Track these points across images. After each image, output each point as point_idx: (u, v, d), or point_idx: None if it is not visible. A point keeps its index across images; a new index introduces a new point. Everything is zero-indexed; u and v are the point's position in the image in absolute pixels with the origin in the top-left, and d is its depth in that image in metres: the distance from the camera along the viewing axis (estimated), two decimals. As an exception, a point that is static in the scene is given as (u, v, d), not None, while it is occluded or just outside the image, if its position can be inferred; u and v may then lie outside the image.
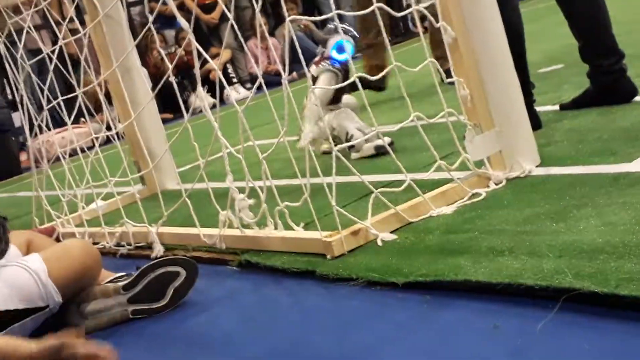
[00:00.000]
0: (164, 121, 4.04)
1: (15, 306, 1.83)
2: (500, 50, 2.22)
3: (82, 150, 2.99)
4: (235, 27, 2.19)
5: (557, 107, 2.92)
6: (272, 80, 5.95)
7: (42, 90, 3.07)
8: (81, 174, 2.96)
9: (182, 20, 2.32)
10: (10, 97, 7.70)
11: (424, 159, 2.59)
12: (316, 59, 3.18)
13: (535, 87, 2.78)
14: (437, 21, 2.18)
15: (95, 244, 2.73)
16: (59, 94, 3.02)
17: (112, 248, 2.74)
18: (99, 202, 3.06)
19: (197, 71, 2.34)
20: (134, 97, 3.18)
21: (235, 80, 8.57)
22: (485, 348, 1.33)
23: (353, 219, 2.02)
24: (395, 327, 1.52)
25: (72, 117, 2.97)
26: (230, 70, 8.59)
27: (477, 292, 1.53)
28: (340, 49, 3.10)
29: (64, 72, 2.99)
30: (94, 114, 3.02)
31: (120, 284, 2.01)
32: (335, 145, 2.10)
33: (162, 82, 2.56)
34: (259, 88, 2.13)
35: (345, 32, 3.12)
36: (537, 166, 2.24)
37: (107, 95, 3.04)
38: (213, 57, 7.46)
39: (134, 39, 3.12)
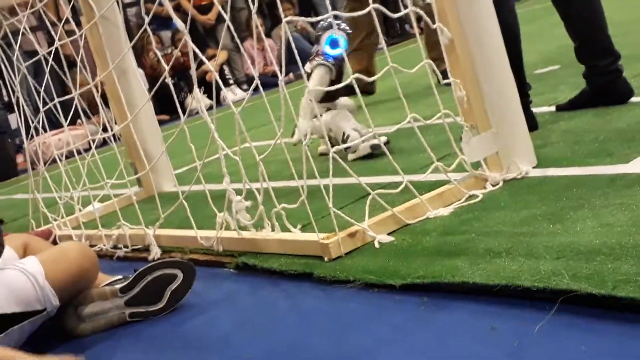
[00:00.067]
0: (161, 123, 4.04)
1: (13, 310, 1.83)
2: (497, 52, 2.22)
3: (79, 152, 2.99)
4: (232, 28, 2.19)
5: (553, 108, 2.92)
6: (269, 82, 5.95)
7: (38, 92, 3.06)
8: (78, 176, 2.96)
9: (178, 22, 2.32)
10: (6, 98, 7.69)
11: (420, 160, 2.60)
12: (311, 57, 3.19)
13: (532, 88, 2.79)
14: (434, 22, 2.18)
15: (92, 246, 2.73)
16: (55, 95, 3.01)
17: (109, 250, 2.74)
18: (96, 204, 3.06)
19: (193, 72, 2.34)
20: (130, 98, 3.18)
21: (231, 81, 8.57)
22: (483, 350, 1.33)
23: (350, 220, 2.02)
24: (392, 329, 1.52)
25: (69, 119, 2.97)
26: (226, 71, 8.60)
27: (475, 294, 1.53)
28: (333, 43, 3.10)
29: (60, 73, 2.98)
30: (90, 115, 3.01)
31: (118, 286, 2.00)
32: (332, 146, 2.10)
33: (158, 83, 2.55)
34: (256, 89, 2.13)
35: (339, 27, 3.13)
36: (533, 167, 2.24)
37: (104, 97, 3.04)
38: (209, 58, 7.47)
39: (130, 41, 3.12)
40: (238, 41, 2.55)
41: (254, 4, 2.06)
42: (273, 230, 2.17)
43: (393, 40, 9.43)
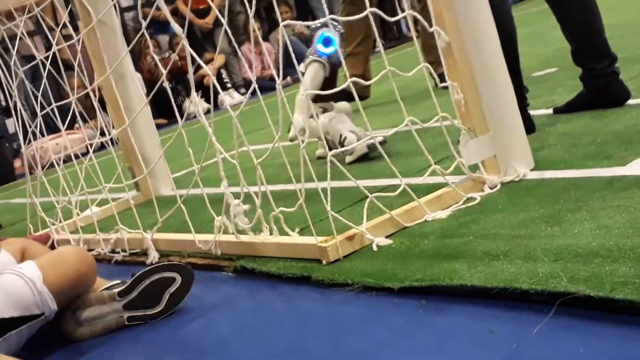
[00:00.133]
0: (158, 127, 4.04)
1: (11, 314, 1.83)
2: (494, 55, 2.23)
3: (76, 157, 2.99)
4: (229, 32, 2.19)
5: (550, 111, 2.93)
6: (266, 85, 5.95)
7: (35, 97, 3.06)
8: (75, 180, 2.96)
9: (175, 26, 2.32)
10: (3, 103, 7.69)
11: (418, 163, 2.60)
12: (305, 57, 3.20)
13: (529, 90, 2.79)
14: (431, 26, 2.18)
15: (90, 250, 2.72)
16: (52, 100, 3.01)
17: (106, 255, 2.74)
18: (94, 208, 3.06)
19: (191, 76, 2.34)
20: (127, 102, 3.18)
21: (229, 85, 8.57)
22: (481, 352, 1.33)
23: (348, 224, 2.02)
24: (391, 332, 1.52)
25: (66, 123, 2.97)
26: (224, 75, 8.60)
27: (473, 297, 1.53)
28: (326, 42, 3.12)
29: (58, 78, 2.98)
30: (87, 119, 3.01)
31: (116, 290, 2.00)
32: (330, 149, 2.10)
33: (156, 87, 2.55)
34: (253, 93, 2.13)
35: (332, 25, 3.15)
36: (531, 170, 2.24)
37: (101, 101, 3.04)
38: (207, 62, 7.47)
39: (128, 45, 3.12)
40: (235, 45, 2.55)
41: (251, 8, 2.06)
42: (271, 233, 2.17)
43: (390, 44, 9.43)
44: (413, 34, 2.34)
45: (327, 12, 2.13)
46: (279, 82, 2.09)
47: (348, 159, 3.07)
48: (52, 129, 4.25)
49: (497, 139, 2.20)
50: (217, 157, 2.25)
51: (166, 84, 2.42)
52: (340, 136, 3.09)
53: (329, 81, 3.17)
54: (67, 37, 2.96)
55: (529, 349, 1.29)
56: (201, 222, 2.49)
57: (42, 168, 3.17)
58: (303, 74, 3.10)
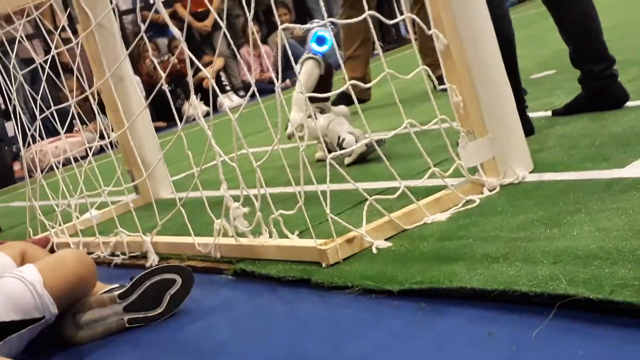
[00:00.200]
0: (157, 130, 4.04)
1: (12, 318, 1.83)
2: (493, 57, 2.23)
3: (76, 160, 2.99)
4: (228, 35, 2.19)
5: (549, 113, 2.93)
6: (265, 88, 5.95)
7: (34, 100, 3.07)
8: (75, 183, 2.96)
9: (174, 29, 2.32)
10: (3, 106, 7.69)
11: (417, 165, 2.60)
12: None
13: (528, 93, 2.79)
14: (429, 29, 2.19)
15: (89, 253, 2.72)
16: (51, 103, 3.02)
17: (106, 258, 2.74)
18: (93, 211, 3.06)
19: (190, 79, 2.34)
20: (127, 106, 3.18)
21: (228, 88, 8.57)
22: (481, 355, 1.33)
23: (348, 226, 2.02)
24: (390, 335, 1.52)
25: (65, 126, 2.97)
26: (223, 78, 8.60)
27: (472, 299, 1.54)
28: (320, 40, 3.14)
29: (57, 81, 2.98)
30: (87, 122, 3.01)
31: (116, 293, 2.00)
32: (329, 152, 2.11)
33: (155, 90, 2.55)
34: (252, 96, 2.13)
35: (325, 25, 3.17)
36: (530, 172, 2.24)
37: (100, 104, 3.04)
38: (206, 65, 7.48)
39: (127, 48, 3.12)
40: (234, 48, 2.56)
41: (250, 11, 2.06)
42: (271, 236, 2.17)
43: (389, 46, 9.44)
44: (412, 36, 2.34)
45: (325, 14, 2.13)
46: (278, 84, 2.09)
47: (347, 160, 3.08)
48: (51, 132, 4.25)
49: (496, 141, 2.20)
50: (216, 159, 2.25)
51: (165, 87, 2.42)
52: (339, 138, 3.09)
53: (324, 80, 3.18)
54: (66, 41, 2.96)
55: (528, 351, 1.29)
56: (201, 225, 2.49)
57: (42, 171, 3.17)
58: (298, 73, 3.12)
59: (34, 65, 3.09)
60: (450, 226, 2.00)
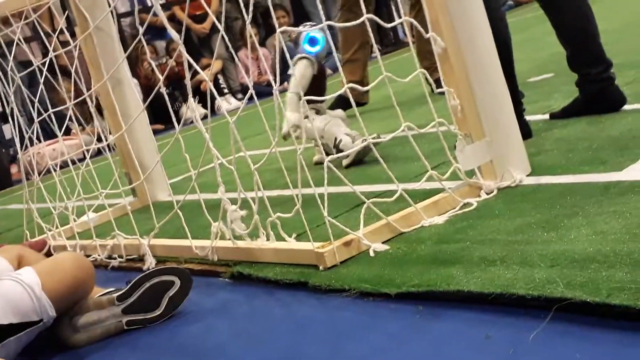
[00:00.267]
0: (155, 132, 4.05)
1: (10, 320, 1.82)
2: (490, 60, 2.23)
3: (73, 162, 2.99)
4: (226, 38, 2.19)
5: (547, 116, 2.93)
6: (263, 91, 5.96)
7: (32, 102, 3.07)
8: (72, 186, 2.96)
9: (172, 32, 2.33)
10: (0, 109, 7.68)
11: (415, 168, 2.60)
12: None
13: (525, 96, 2.80)
14: (426, 32, 2.19)
15: (87, 256, 2.72)
16: (49, 106, 3.01)
17: (103, 260, 2.73)
18: (90, 214, 3.05)
19: (188, 82, 2.34)
20: (124, 108, 3.18)
21: (226, 90, 8.58)
22: (478, 358, 1.33)
23: (345, 229, 2.02)
24: (388, 338, 1.52)
25: (63, 129, 2.96)
26: (221, 80, 8.60)
27: (469, 302, 1.54)
28: (312, 41, 3.15)
29: (55, 84, 2.98)
30: (84, 125, 3.01)
31: (115, 295, 2.00)
32: (325, 154, 2.11)
33: (153, 93, 2.56)
34: (250, 98, 2.14)
35: (315, 25, 3.20)
36: (527, 175, 2.25)
37: (98, 107, 3.04)
38: (204, 67, 7.47)
39: (125, 51, 3.12)
40: (232, 51, 2.56)
41: (248, 14, 2.06)
42: (268, 239, 2.17)
43: (387, 49, 9.45)
44: (409, 39, 2.35)
45: (323, 17, 2.14)
46: (275, 87, 2.09)
47: (345, 162, 3.09)
48: (49, 134, 4.25)
49: (493, 144, 2.21)
50: (214, 162, 2.25)
51: (163, 90, 2.42)
52: (336, 139, 3.10)
53: (317, 80, 3.19)
54: (64, 43, 2.96)
55: (525, 354, 1.29)
56: (198, 228, 2.49)
57: (39, 174, 3.16)
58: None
59: (31, 68, 3.09)
60: (448, 229, 2.00)
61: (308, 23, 3.34)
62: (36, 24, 2.98)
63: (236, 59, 2.89)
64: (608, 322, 1.30)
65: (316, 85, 3.15)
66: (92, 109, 2.81)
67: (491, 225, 1.92)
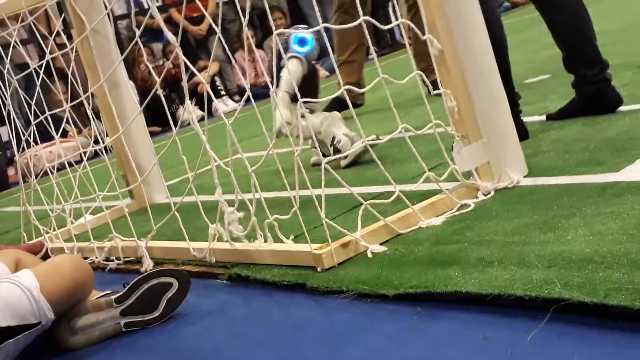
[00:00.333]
0: (152, 134, 4.05)
1: (8, 323, 1.82)
2: (487, 62, 2.24)
3: (70, 165, 2.98)
4: (222, 40, 2.19)
5: (543, 118, 2.94)
6: (260, 93, 5.94)
7: (29, 105, 3.06)
8: (69, 188, 2.95)
9: (169, 34, 2.33)
10: (-3, 111, 7.66)
11: (412, 170, 2.61)
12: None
13: (521, 97, 2.80)
14: (423, 34, 2.19)
15: (84, 258, 2.72)
16: (46, 108, 3.01)
17: (101, 263, 2.73)
18: (88, 216, 3.05)
19: (185, 84, 2.35)
20: (121, 111, 3.18)
21: (223, 92, 8.57)
22: (475, 359, 1.33)
23: (343, 231, 2.02)
24: (385, 339, 1.52)
25: (60, 131, 2.96)
26: (218, 82, 8.60)
27: (467, 303, 1.54)
28: (301, 42, 3.18)
29: (51, 86, 2.98)
30: (81, 127, 3.01)
31: (113, 297, 2.00)
32: (322, 153, 2.11)
33: (150, 95, 2.55)
34: (247, 100, 2.14)
35: (304, 29, 3.22)
36: (524, 176, 2.25)
37: (94, 109, 3.03)
38: (201, 69, 7.47)
39: (121, 53, 3.12)
40: (229, 53, 2.56)
41: (244, 16, 2.06)
42: (266, 241, 2.17)
43: (383, 51, 9.46)
44: (406, 41, 2.35)
45: (320, 19, 2.14)
46: (272, 89, 2.09)
47: (343, 162, 3.10)
48: (45, 137, 4.24)
49: (490, 145, 2.21)
50: (211, 164, 2.25)
51: (160, 92, 2.42)
52: (334, 139, 3.11)
53: (308, 80, 3.20)
54: (60, 46, 2.96)
55: (523, 355, 1.29)
56: (195, 230, 2.49)
57: (36, 176, 3.16)
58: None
59: (28, 71, 3.09)
60: (445, 230, 2.00)
61: (300, 26, 3.36)
62: (33, 26, 2.97)
63: (233, 61, 2.88)
64: (606, 322, 1.30)
65: (307, 85, 3.16)
66: (89, 112, 2.81)
67: (488, 227, 1.92)
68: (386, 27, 2.31)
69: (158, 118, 7.36)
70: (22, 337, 1.85)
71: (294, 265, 2.05)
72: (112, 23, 3.10)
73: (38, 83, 2.93)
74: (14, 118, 3.15)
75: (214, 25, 2.16)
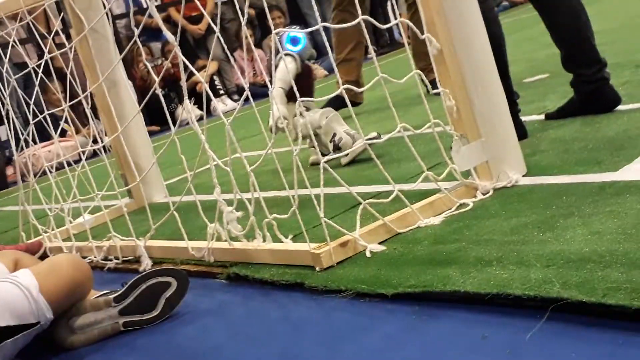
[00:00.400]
0: (151, 134, 4.04)
1: (7, 323, 1.82)
2: (486, 61, 2.23)
3: (69, 164, 2.98)
4: (221, 39, 2.19)
5: (542, 117, 2.94)
6: (259, 92, 5.94)
7: (28, 104, 3.06)
8: (68, 187, 2.95)
9: (168, 33, 2.32)
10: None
11: (411, 169, 2.61)
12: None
13: (520, 96, 2.80)
14: (422, 33, 2.19)
15: (83, 258, 2.72)
16: (44, 107, 3.01)
17: (99, 262, 2.73)
18: (86, 216, 3.05)
19: (183, 83, 2.34)
20: (120, 110, 3.18)
21: (222, 92, 8.57)
22: (475, 358, 1.33)
23: (341, 230, 2.02)
24: (384, 339, 1.52)
25: (59, 131, 2.96)
26: (217, 82, 8.60)
27: (466, 303, 1.54)
28: (293, 41, 3.19)
29: (50, 85, 2.98)
30: (80, 126, 3.01)
31: (112, 296, 2.00)
32: (320, 150, 2.11)
33: (149, 95, 2.55)
34: (246, 100, 2.14)
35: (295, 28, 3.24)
36: (523, 176, 2.25)
37: (93, 108, 3.03)
38: (200, 69, 7.47)
39: (120, 52, 3.12)
40: (228, 52, 2.56)
41: (243, 15, 2.06)
42: (264, 240, 2.17)
43: (382, 50, 9.46)
44: (405, 40, 2.35)
45: (319, 19, 2.14)
46: (271, 88, 2.09)
47: (344, 160, 3.11)
48: (44, 136, 4.24)
49: (489, 145, 2.21)
50: (210, 164, 2.25)
51: (159, 91, 2.42)
52: (334, 135, 3.12)
53: (302, 78, 3.20)
54: (59, 45, 2.95)
55: (522, 354, 1.29)
56: (194, 229, 2.49)
57: (35, 175, 3.16)
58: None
59: (27, 70, 3.09)
60: (444, 230, 2.00)
61: (293, 26, 3.38)
62: (31, 25, 2.97)
63: (232, 60, 2.88)
64: (604, 322, 1.30)
65: (302, 84, 3.16)
66: (88, 111, 2.81)
67: (487, 226, 1.92)
68: (385, 27, 2.31)
69: (157, 117, 7.36)
70: (21, 336, 1.85)
71: (293, 265, 2.05)
72: (111, 22, 3.09)
73: (37, 82, 2.93)
74: (12, 117, 3.15)
75: (212, 24, 2.15)
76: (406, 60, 2.33)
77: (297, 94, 2.04)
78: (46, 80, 3.00)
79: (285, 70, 3.04)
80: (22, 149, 3.23)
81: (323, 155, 2.39)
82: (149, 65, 2.92)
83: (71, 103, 2.85)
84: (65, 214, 3.03)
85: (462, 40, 2.18)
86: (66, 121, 2.85)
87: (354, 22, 2.15)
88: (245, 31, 2.16)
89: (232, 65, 8.57)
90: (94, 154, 3.19)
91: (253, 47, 2.54)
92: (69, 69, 2.80)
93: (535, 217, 1.88)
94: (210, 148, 2.23)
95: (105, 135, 3.28)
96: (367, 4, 4.52)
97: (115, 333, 1.99)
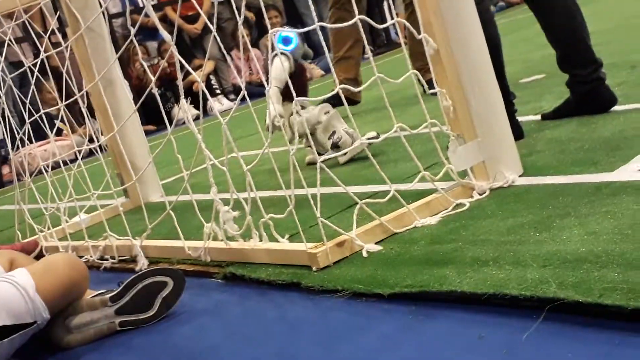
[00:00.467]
0: (147, 133, 4.04)
1: (3, 322, 1.82)
2: (482, 61, 2.24)
3: (65, 163, 2.98)
4: (218, 39, 2.19)
5: (538, 117, 2.94)
6: (256, 91, 5.94)
7: (23, 103, 3.06)
8: (64, 187, 2.95)
9: (164, 33, 2.32)
10: (-9, 109, 7.64)
11: (407, 169, 2.61)
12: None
13: (517, 97, 2.81)
14: (419, 33, 2.19)
15: (79, 257, 2.71)
16: (40, 106, 3.01)
17: (95, 262, 2.73)
18: (82, 215, 3.04)
19: (180, 83, 2.34)
20: (116, 109, 3.18)
21: (218, 91, 8.57)
22: (471, 358, 1.33)
23: (338, 230, 2.02)
24: (381, 339, 1.52)
25: (55, 130, 2.96)
26: (213, 81, 8.59)
27: (462, 303, 1.54)
28: (285, 41, 3.20)
29: (47, 85, 2.98)
30: (76, 125, 3.00)
31: (108, 296, 2.00)
32: (317, 145, 2.11)
33: (145, 94, 2.55)
34: (243, 99, 2.13)
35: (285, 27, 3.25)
36: (519, 176, 2.25)
37: (90, 108, 3.03)
38: (196, 68, 7.46)
39: (116, 51, 3.11)
40: (224, 52, 2.55)
41: (240, 15, 2.06)
42: (261, 240, 2.17)
43: (379, 50, 9.46)
44: (402, 40, 2.35)
45: (316, 19, 2.14)
46: (268, 88, 2.09)
47: (342, 159, 3.12)
48: (40, 135, 4.24)
49: (485, 145, 2.21)
50: (206, 163, 2.25)
51: (155, 91, 2.42)
52: (334, 133, 3.13)
53: (296, 78, 3.20)
54: (55, 44, 2.95)
55: (518, 354, 1.29)
56: (190, 229, 2.49)
57: (30, 175, 3.15)
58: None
59: (23, 69, 3.08)
60: (441, 230, 2.00)
61: (286, 27, 3.39)
62: (27, 24, 2.97)
63: (228, 59, 2.89)
64: (600, 322, 1.30)
65: (295, 83, 3.17)
66: (84, 110, 2.80)
67: (484, 226, 1.92)
68: (382, 26, 2.31)
69: (153, 117, 7.35)
70: (17, 336, 1.85)
71: (289, 265, 2.05)
72: (107, 21, 3.09)
73: (32, 82, 2.93)
74: (8, 116, 3.14)
75: (209, 23, 2.15)
76: (403, 60, 2.33)
77: (294, 93, 2.04)
78: (42, 79, 2.99)
79: (281, 69, 3.04)
80: (17, 148, 3.22)
81: (320, 154, 2.39)
82: (145, 65, 2.92)
83: (67, 102, 2.84)
84: (61, 213, 3.02)
85: (458, 40, 2.18)
86: (62, 120, 2.84)
87: (350, 22, 2.15)
88: (242, 31, 2.16)
89: (229, 64, 8.58)
90: (90, 153, 3.18)
91: (249, 46, 2.54)
92: (65, 68, 2.80)
93: (531, 217, 1.89)
94: (206, 147, 2.23)
95: (101, 134, 3.28)
96: (363, 2, 4.52)
97: (111, 332, 1.99)
